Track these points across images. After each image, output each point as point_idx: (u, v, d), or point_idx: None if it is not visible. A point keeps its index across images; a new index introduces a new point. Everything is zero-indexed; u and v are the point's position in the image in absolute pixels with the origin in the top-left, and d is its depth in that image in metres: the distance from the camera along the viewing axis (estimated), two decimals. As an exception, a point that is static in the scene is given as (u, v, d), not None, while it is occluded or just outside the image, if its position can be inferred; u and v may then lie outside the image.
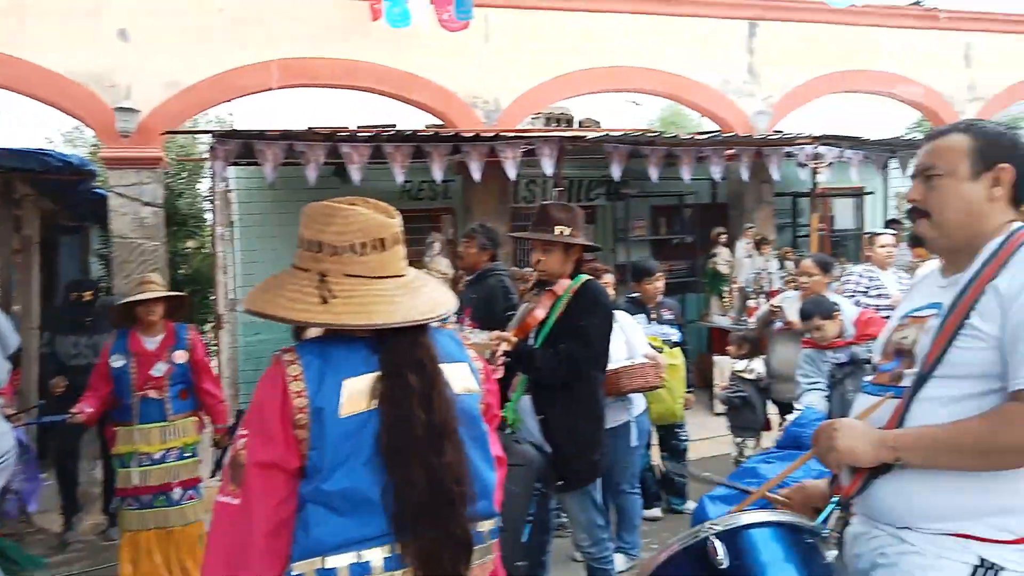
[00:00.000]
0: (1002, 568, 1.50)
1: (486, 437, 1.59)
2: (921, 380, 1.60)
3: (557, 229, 3.10)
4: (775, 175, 7.99)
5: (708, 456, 6.14)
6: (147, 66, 7.08)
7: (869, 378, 1.85)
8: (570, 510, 3.15)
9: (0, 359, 3.21)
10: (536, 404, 3.05)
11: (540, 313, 3.06)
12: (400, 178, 6.72)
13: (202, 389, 4.19)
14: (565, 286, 3.12)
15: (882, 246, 5.89)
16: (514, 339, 3.00)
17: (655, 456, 5.12)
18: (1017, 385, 1.46)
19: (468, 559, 1.47)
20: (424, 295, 1.52)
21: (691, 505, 5.01)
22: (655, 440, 5.03)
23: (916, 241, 1.48)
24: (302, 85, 8.01)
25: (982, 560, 1.51)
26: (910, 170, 7.75)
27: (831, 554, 1.68)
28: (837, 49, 9.52)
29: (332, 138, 6.45)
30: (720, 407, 7.18)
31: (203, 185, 11.49)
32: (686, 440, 5.13)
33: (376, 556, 1.41)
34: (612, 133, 7.30)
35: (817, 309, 4.19)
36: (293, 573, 1.40)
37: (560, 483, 3.04)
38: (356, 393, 1.43)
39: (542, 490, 2.89)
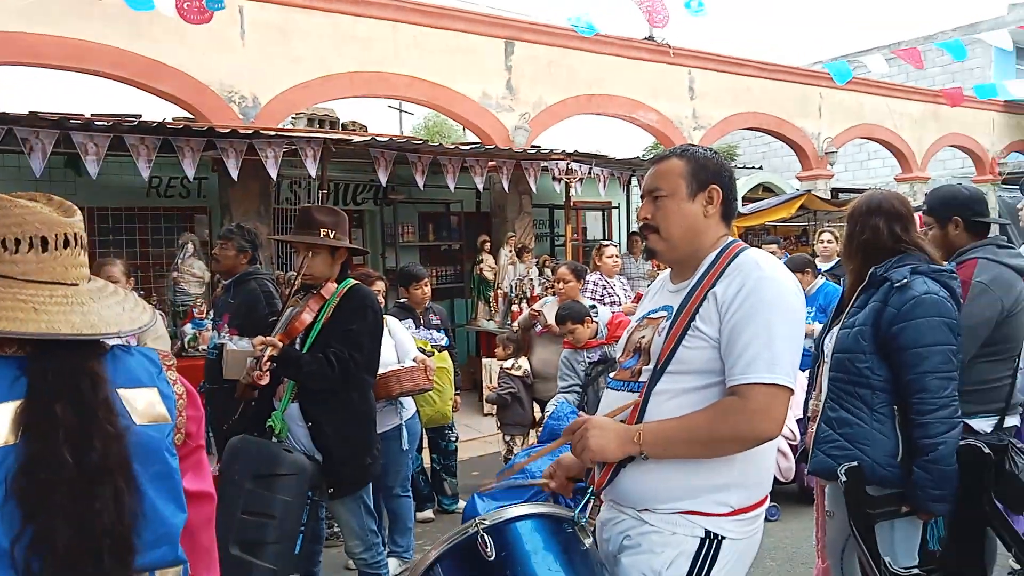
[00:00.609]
0: (724, 537, 1.74)
1: (173, 473, 1.38)
2: (656, 375, 1.79)
3: (322, 232, 3.06)
4: (533, 187, 8.44)
5: (478, 456, 6.32)
6: None
7: (612, 374, 2.03)
8: (341, 517, 3.08)
9: None
10: (304, 411, 2.96)
11: (307, 317, 2.99)
12: (145, 172, 6.16)
13: None
14: (332, 290, 3.09)
15: (608, 256, 6.55)
16: (280, 344, 2.89)
17: (426, 458, 5.16)
18: (732, 381, 1.69)
19: None
20: (99, 310, 1.32)
21: (463, 504, 5.14)
22: (425, 443, 5.08)
23: (651, 254, 1.68)
24: (23, 63, 7.05)
25: (707, 532, 1.73)
26: (643, 189, 8.63)
27: (588, 541, 1.82)
28: (586, 74, 10.29)
29: (62, 125, 5.74)
30: (489, 408, 7.44)
31: None
32: (456, 441, 5.24)
33: None
34: (379, 138, 7.26)
35: (571, 314, 4.50)
36: None
37: (332, 490, 2.98)
38: (1, 423, 1.21)
39: (313, 499, 2.81)
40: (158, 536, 1.32)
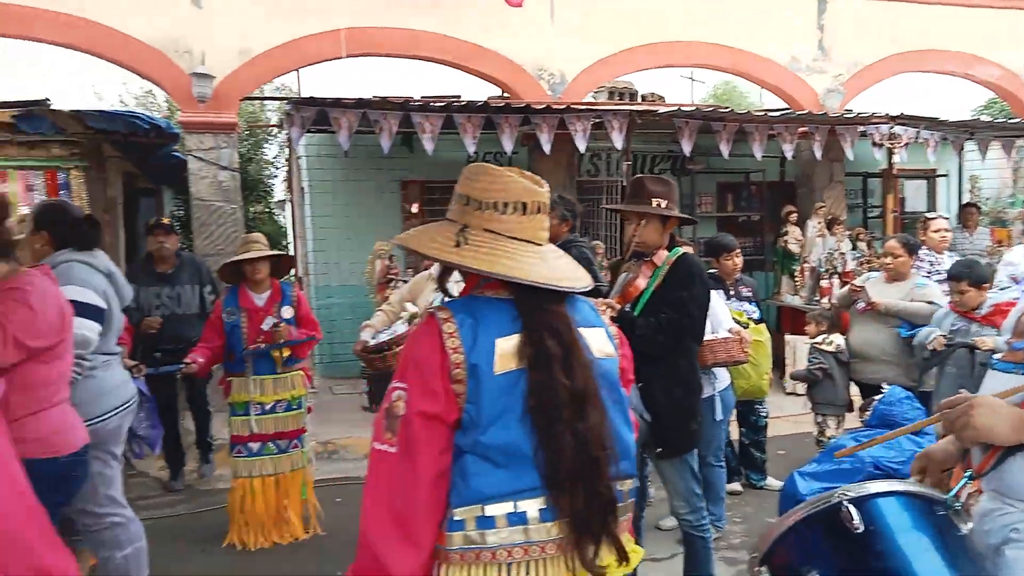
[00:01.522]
0: None
1: (624, 400, 1.64)
2: None
3: (654, 201, 3.11)
4: (849, 154, 7.82)
5: (786, 435, 6.11)
6: (219, 33, 7.17)
7: (999, 356, 1.84)
8: (669, 478, 3.17)
9: (117, 310, 3.34)
10: (636, 372, 3.07)
11: (641, 283, 3.09)
12: (471, 148, 6.74)
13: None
14: (663, 257, 3.15)
15: (935, 230, 5.84)
16: (617, 306, 3.03)
17: (733, 432, 5.11)
18: None
19: (615, 518, 1.52)
20: (558, 267, 1.57)
21: (771, 481, 5.02)
22: (732, 416, 5.02)
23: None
24: (369, 54, 8.05)
25: None
26: (990, 153, 7.57)
27: (966, 527, 1.68)
28: (911, 27, 9.23)
29: (406, 107, 6.49)
30: (792, 387, 7.14)
31: (270, 152, 11.66)
32: (766, 416, 5.11)
33: (532, 507, 1.47)
34: (683, 107, 7.20)
35: (971, 274, 4.09)
36: (455, 519, 1.46)
37: (660, 450, 3.08)
38: (507, 352, 1.48)
39: (642, 456, 2.92)
40: (620, 451, 1.55)
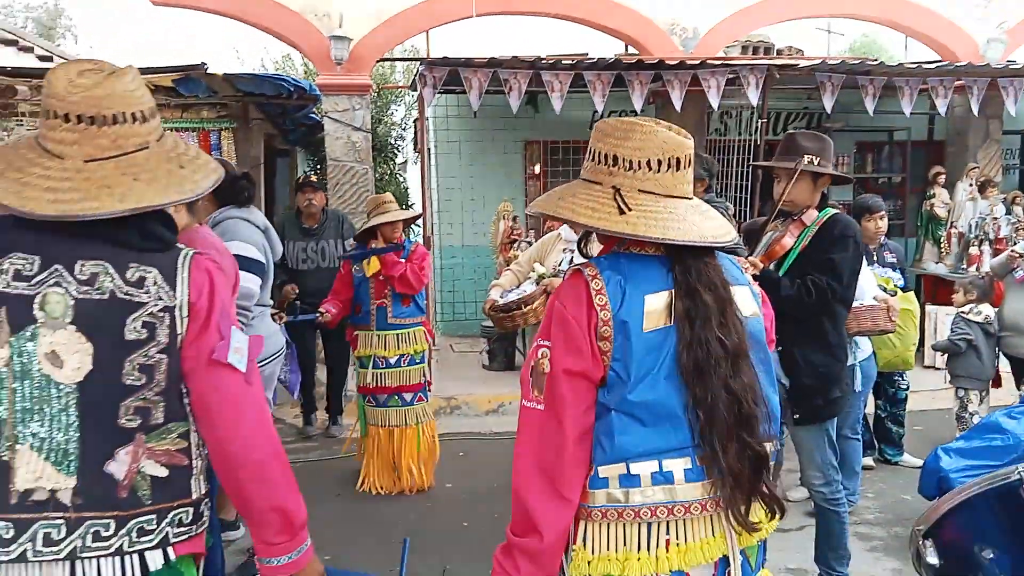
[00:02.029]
0: None
1: (770, 360, 1.59)
2: None
3: (807, 158, 2.97)
4: (1011, 110, 7.16)
5: (922, 409, 5.79)
6: (357, -5, 7.35)
7: None
8: (804, 445, 3.07)
9: (271, 264, 3.54)
10: (777, 334, 2.96)
11: (788, 241, 2.98)
12: (600, 107, 6.65)
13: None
14: (813, 217, 3.02)
15: None
16: (760, 265, 2.93)
17: (869, 404, 4.89)
18: None
19: (768, 475, 1.49)
20: (710, 219, 1.52)
21: (908, 458, 4.79)
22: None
23: None
24: (499, 13, 8.03)
25: None
26: None
27: None
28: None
29: (536, 66, 6.45)
30: (931, 359, 6.73)
31: (397, 113, 11.93)
32: (907, 389, 4.85)
33: (677, 467, 1.46)
34: (827, 61, 6.79)
35: None
36: (599, 476, 1.47)
37: (797, 416, 2.98)
38: (656, 309, 1.46)
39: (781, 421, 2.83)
40: (766, 412, 1.51)
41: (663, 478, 1.45)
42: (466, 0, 7.59)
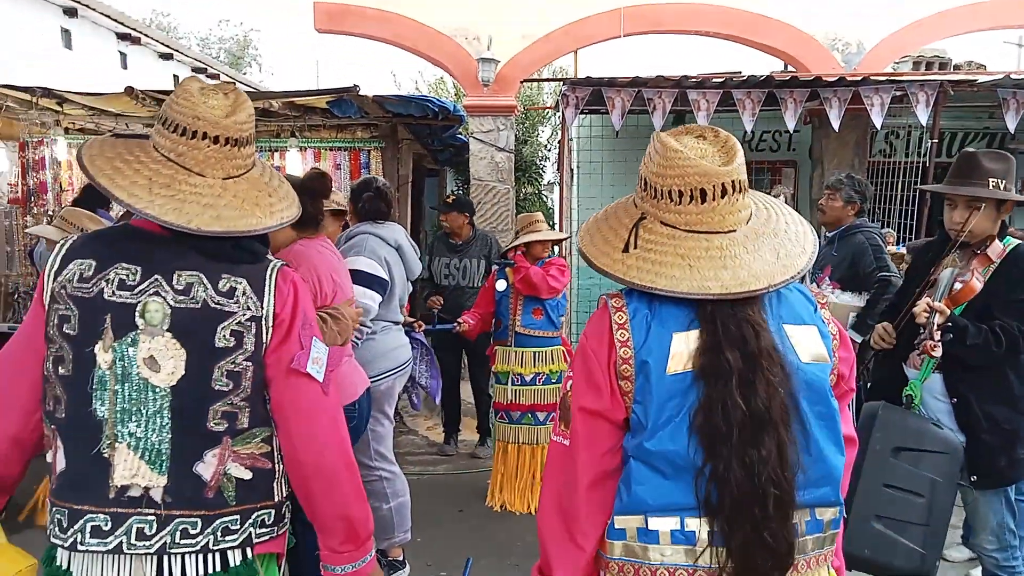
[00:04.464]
0: None
1: (834, 415, 1.36)
2: None
3: (991, 182, 2.60)
4: None
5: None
6: (506, 19, 7.48)
7: None
8: (978, 509, 2.69)
9: (401, 281, 3.61)
10: (950, 384, 2.61)
11: (978, 284, 2.53)
12: (749, 126, 6.35)
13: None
14: (998, 250, 2.63)
15: None
16: (948, 310, 2.53)
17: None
18: None
19: (782, 567, 1.27)
20: (750, 262, 1.31)
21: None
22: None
23: None
24: (647, 32, 7.91)
25: None
26: None
27: None
28: None
29: (681, 84, 6.27)
30: None
31: (543, 134, 12.03)
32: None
33: (702, 528, 1.29)
34: (1012, 76, 6.13)
35: None
36: (616, 527, 1.33)
37: (975, 479, 2.61)
38: (683, 351, 1.30)
39: (962, 484, 2.49)
40: (821, 475, 1.31)
41: (684, 538, 1.29)
42: (614, 20, 7.55)
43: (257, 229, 1.48)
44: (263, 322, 1.50)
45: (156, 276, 1.46)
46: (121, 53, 11.37)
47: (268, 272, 1.53)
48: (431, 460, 5.59)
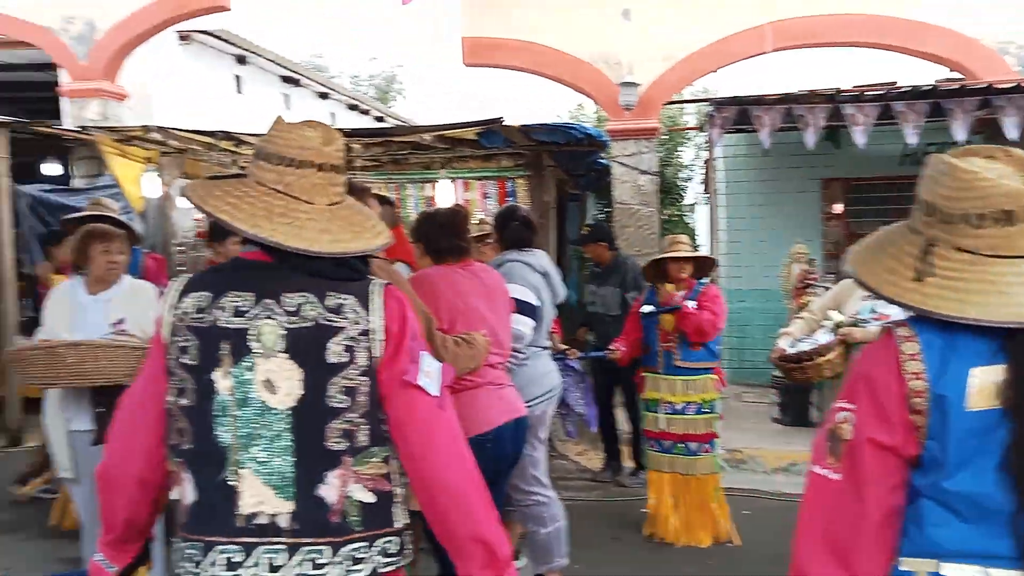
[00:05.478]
0: None
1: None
2: None
3: None
4: None
5: None
6: (647, 42, 7.47)
7: None
8: None
9: (549, 306, 3.67)
10: None
11: None
12: (913, 139, 5.99)
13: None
14: None
15: None
16: None
17: None
18: None
19: None
20: None
21: None
22: None
23: None
24: (796, 46, 7.65)
25: None
26: None
27: None
28: None
29: (835, 99, 6.01)
30: None
31: (685, 155, 11.87)
32: None
33: None
34: None
35: None
36: (901, 568, 1.26)
37: None
38: (986, 386, 1.22)
39: None
40: None
41: None
42: (759, 37, 7.36)
43: (369, 249, 1.54)
44: (373, 336, 1.52)
45: (267, 300, 1.51)
46: (284, 95, 12.30)
47: (372, 288, 1.57)
48: (582, 486, 5.59)
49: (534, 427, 3.43)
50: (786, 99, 6.05)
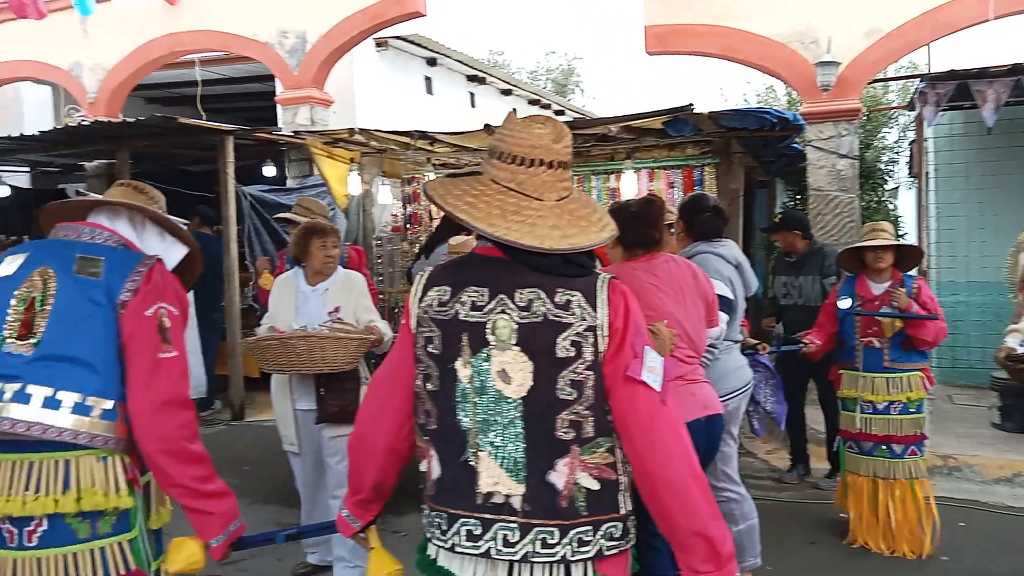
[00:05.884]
0: None
1: None
2: None
3: None
4: None
5: None
6: (847, 17, 6.95)
7: None
8: None
9: (741, 299, 3.56)
10: None
11: None
12: None
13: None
14: None
15: None
16: None
17: None
18: None
19: None
20: None
21: None
22: None
23: None
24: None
25: None
26: None
27: None
28: None
29: (1016, 72, 5.32)
30: None
31: (889, 136, 10.97)
32: None
33: None
34: None
35: None
36: None
37: None
38: None
39: None
40: None
41: None
42: (981, 2, 6.63)
43: (596, 243, 1.58)
44: (598, 331, 1.57)
45: (501, 295, 1.59)
46: (470, 93, 12.72)
47: (599, 284, 1.61)
48: (772, 486, 5.37)
49: (727, 423, 3.35)
50: (1016, 70, 5.43)
